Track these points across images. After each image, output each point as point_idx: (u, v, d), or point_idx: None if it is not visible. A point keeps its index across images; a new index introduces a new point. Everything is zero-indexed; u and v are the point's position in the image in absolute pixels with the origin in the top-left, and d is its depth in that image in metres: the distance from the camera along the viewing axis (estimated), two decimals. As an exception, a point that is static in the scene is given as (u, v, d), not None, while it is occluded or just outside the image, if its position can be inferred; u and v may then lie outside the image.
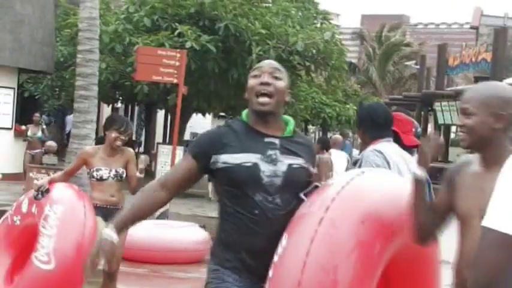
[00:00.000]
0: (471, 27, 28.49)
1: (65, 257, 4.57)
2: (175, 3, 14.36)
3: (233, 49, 14.10)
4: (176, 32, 13.49)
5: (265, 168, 2.72)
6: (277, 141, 2.79)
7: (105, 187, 5.37)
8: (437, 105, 18.66)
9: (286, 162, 2.76)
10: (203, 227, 8.74)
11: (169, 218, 8.93)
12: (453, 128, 20.11)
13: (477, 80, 20.28)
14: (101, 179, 5.36)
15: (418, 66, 30.29)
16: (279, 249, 2.58)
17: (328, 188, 2.73)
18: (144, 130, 24.91)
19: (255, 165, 2.71)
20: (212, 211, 12.57)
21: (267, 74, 2.80)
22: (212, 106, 16.87)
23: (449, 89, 20.14)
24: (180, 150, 14.01)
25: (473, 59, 18.61)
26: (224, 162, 2.72)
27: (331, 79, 16.58)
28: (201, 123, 26.01)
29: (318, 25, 16.50)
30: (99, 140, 5.83)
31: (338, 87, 21.64)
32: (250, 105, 2.81)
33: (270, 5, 15.74)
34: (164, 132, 25.41)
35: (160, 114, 24.98)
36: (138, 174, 5.44)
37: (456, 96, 17.17)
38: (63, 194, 4.97)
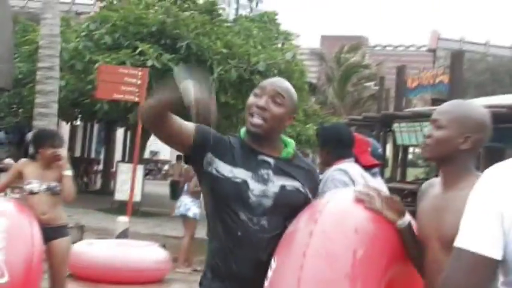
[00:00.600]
0: (428, 50, 29.08)
1: (18, 269, 4.43)
2: (136, 21, 14.34)
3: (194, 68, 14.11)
4: (137, 50, 13.47)
5: (255, 187, 2.57)
6: (271, 160, 2.65)
7: (37, 202, 5.11)
8: (396, 126, 18.87)
9: (278, 183, 2.62)
10: (163, 246, 8.71)
11: (129, 237, 8.87)
12: (411, 149, 20.37)
13: (434, 102, 20.66)
14: (31, 193, 5.14)
15: (377, 87, 30.73)
16: (269, 273, 2.40)
17: (312, 205, 2.60)
18: (103, 148, 24.68)
19: (244, 182, 2.57)
20: (171, 230, 12.51)
21: (266, 97, 2.63)
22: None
23: (407, 110, 20.40)
24: (140, 169, 13.93)
25: (431, 81, 18.96)
26: (216, 170, 2.59)
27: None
28: (160, 142, 25.81)
29: (280, 45, 16.65)
30: (31, 157, 5.36)
31: (299, 107, 21.80)
32: (246, 124, 2.68)
33: (232, 24, 15.85)
34: (124, 150, 25.22)
35: (120, 132, 24.79)
36: (66, 173, 5.14)
37: (414, 117, 17.46)
38: (3, 206, 4.78)
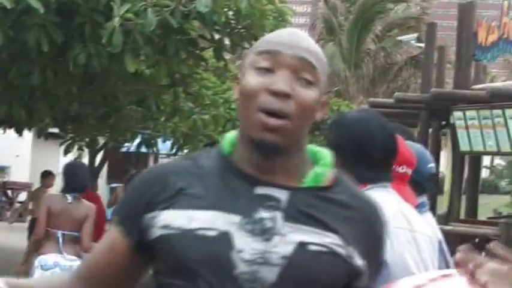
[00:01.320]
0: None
1: None
2: None
3: (77, 9, 14.11)
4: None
5: (245, 245, 2.48)
6: (283, 194, 2.57)
7: None
8: (457, 116, 19.03)
9: (293, 238, 2.51)
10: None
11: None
12: (486, 160, 20.53)
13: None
14: None
15: (421, 44, 30.96)
16: None
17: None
18: None
19: (224, 236, 2.49)
20: None
21: (287, 72, 2.58)
22: (35, 115, 16.76)
23: (479, 86, 20.61)
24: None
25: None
26: (164, 227, 2.55)
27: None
28: (12, 149, 25.72)
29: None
30: None
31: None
32: (244, 126, 2.64)
33: None
34: None
35: None
36: None
37: (492, 99, 17.64)
38: None
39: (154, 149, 22.43)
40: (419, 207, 4.27)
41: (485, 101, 17.74)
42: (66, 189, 10.81)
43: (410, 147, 4.40)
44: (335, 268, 2.52)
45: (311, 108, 2.60)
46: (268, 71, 2.57)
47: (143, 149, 22.26)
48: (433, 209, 18.64)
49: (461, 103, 18.70)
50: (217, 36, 15.43)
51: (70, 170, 11.02)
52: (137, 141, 21.73)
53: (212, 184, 2.57)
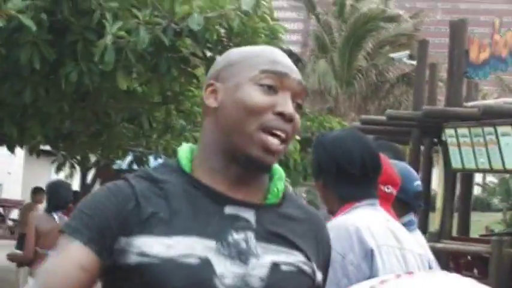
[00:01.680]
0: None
1: None
2: None
3: (69, 27, 14.13)
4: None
5: (225, 270, 2.46)
6: (250, 214, 2.57)
7: None
8: (449, 134, 19.09)
9: (267, 259, 2.52)
10: None
11: None
12: (478, 178, 20.55)
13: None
14: None
15: (413, 61, 31.02)
16: None
17: None
18: None
19: (205, 262, 2.45)
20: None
21: (288, 95, 2.60)
22: (27, 133, 16.78)
23: (471, 103, 20.66)
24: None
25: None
26: (141, 254, 2.46)
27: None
28: (4, 165, 25.70)
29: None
30: None
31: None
32: (234, 141, 2.57)
33: None
34: None
35: None
36: None
37: (484, 116, 17.69)
38: None
39: (146, 166, 22.47)
40: (407, 225, 4.30)
41: (477, 118, 17.80)
42: (50, 207, 10.99)
43: (394, 166, 4.44)
44: (303, 286, 2.57)
45: (298, 132, 2.65)
46: (270, 89, 2.55)
47: (135, 166, 22.29)
48: (425, 226, 18.72)
49: (453, 120, 18.76)
50: (209, 54, 15.45)
51: (53, 188, 11.14)
52: (129, 158, 21.75)
53: (180, 206, 2.51)
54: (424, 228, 17.00)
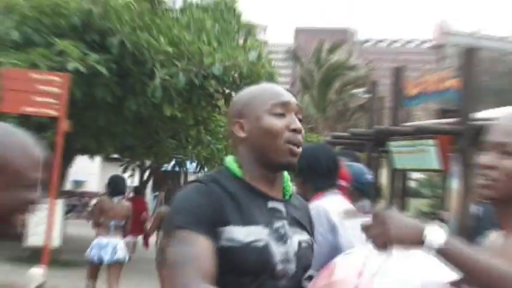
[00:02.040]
0: (433, 46, 29.46)
1: None
2: (54, 11, 14.16)
3: (130, 72, 14.09)
4: (55, 49, 13.36)
5: (276, 250, 2.50)
6: (282, 206, 2.61)
7: None
8: (392, 145, 18.99)
9: (295, 239, 2.59)
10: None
11: (46, 294, 8.79)
12: (413, 174, 20.55)
13: (444, 113, 20.85)
14: None
15: (367, 96, 30.91)
16: None
17: (345, 258, 2.69)
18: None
19: (267, 245, 2.47)
20: (102, 284, 12.39)
21: (293, 114, 2.64)
22: (102, 146, 16.78)
23: (407, 124, 20.55)
24: (59, 206, 13.77)
25: (437, 87, 19.17)
26: (229, 239, 2.42)
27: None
28: (87, 169, 25.70)
29: (241, 41, 16.68)
30: None
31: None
32: (268, 154, 2.58)
33: (179, 15, 15.83)
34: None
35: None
36: None
37: (416, 133, 17.62)
38: None
39: (184, 168, 22.50)
40: (361, 208, 4.34)
41: (411, 134, 17.76)
42: (112, 194, 11.16)
43: (350, 167, 4.72)
44: (311, 255, 2.65)
45: (303, 137, 2.65)
46: (281, 115, 2.59)
47: (176, 168, 22.29)
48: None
49: (395, 136, 18.71)
50: (227, 91, 15.52)
51: (113, 180, 11.36)
52: (172, 163, 21.71)
53: (243, 203, 2.50)
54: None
